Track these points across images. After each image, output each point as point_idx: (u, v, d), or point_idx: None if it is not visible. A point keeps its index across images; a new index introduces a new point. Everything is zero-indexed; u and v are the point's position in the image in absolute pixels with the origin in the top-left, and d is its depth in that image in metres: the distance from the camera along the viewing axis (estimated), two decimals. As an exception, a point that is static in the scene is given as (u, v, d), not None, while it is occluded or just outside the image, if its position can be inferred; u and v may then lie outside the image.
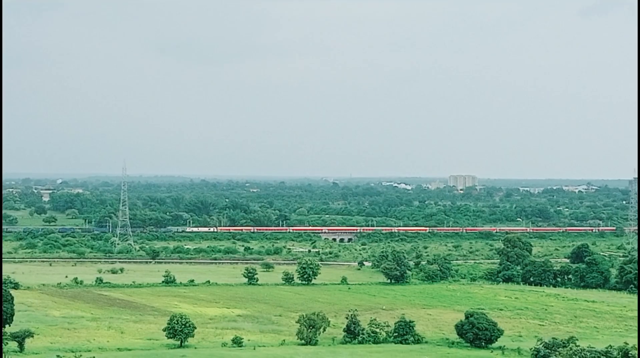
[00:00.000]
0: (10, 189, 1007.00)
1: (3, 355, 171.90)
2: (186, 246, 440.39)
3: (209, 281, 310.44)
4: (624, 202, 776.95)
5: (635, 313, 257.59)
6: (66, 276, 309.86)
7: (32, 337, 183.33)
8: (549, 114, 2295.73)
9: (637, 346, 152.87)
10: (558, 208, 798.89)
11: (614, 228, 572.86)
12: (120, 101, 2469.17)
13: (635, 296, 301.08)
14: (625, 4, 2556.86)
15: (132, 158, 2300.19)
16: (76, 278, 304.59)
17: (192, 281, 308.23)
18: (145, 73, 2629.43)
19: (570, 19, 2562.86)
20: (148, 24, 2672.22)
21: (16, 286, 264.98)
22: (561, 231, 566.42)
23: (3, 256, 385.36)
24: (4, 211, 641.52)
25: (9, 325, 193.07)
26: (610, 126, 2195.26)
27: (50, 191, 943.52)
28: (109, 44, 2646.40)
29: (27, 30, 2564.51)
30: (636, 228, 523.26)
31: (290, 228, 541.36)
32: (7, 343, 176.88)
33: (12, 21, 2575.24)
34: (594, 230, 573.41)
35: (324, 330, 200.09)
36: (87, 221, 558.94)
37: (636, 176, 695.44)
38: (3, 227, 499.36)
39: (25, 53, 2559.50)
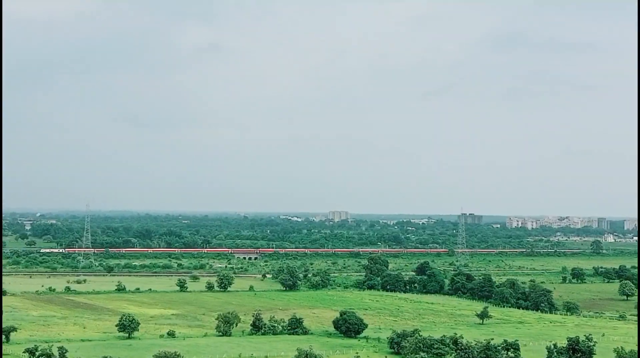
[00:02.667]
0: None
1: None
2: (134, 263, 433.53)
3: (150, 289, 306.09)
4: (454, 231, 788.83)
5: (463, 311, 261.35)
6: (42, 286, 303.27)
7: (16, 331, 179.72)
8: (399, 167, 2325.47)
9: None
10: (407, 235, 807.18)
11: (447, 250, 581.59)
12: (87, 154, 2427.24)
13: (463, 300, 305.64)
14: (452, 92, 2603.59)
15: (94, 197, 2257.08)
16: (50, 286, 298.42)
17: (138, 289, 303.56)
18: (108, 135, 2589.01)
19: (416, 101, 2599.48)
20: (110, 99, 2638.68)
21: (4, 293, 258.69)
22: (409, 252, 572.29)
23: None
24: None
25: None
26: (444, 176, 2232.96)
27: (31, 222, 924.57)
28: (81, 113, 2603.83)
29: (21, 99, 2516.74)
30: (462, 250, 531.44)
31: (212, 249, 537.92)
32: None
33: (19, 92, 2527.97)
34: (432, 251, 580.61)
35: (236, 325, 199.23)
36: (59, 244, 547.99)
37: (462, 213, 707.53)
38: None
39: (17, 116, 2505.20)
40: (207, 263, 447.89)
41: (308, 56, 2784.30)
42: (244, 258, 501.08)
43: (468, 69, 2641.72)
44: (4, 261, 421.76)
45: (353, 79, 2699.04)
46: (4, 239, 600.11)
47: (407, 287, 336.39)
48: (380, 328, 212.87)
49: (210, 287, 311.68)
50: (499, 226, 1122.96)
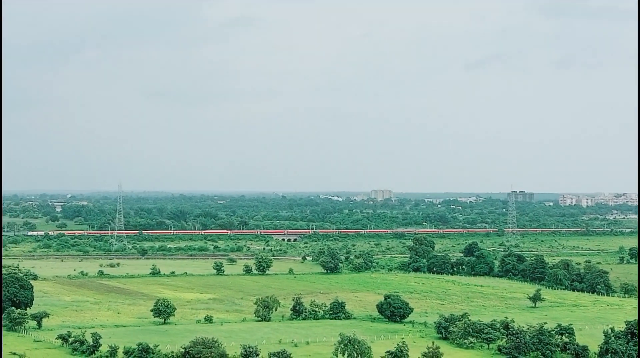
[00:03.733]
0: (30, 202, 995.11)
1: (25, 331, 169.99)
2: (168, 246, 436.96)
3: (186, 273, 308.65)
4: (504, 210, 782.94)
5: (514, 294, 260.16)
6: (74, 270, 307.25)
7: (48, 317, 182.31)
8: (445, 142, 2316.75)
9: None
10: (454, 215, 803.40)
11: (497, 229, 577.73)
12: (118, 133, 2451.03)
13: (514, 282, 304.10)
14: (498, 62, 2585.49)
15: (126, 178, 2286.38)
16: (82, 271, 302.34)
17: (173, 272, 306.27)
18: (138, 112, 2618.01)
19: (459, 73, 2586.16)
20: (140, 74, 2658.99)
21: (35, 277, 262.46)
22: (456, 232, 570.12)
23: (24, 254, 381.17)
24: (26, 219, 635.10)
25: (30, 308, 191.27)
26: (493, 152, 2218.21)
27: (62, 204, 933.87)
28: (111, 90, 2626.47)
29: (51, 77, 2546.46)
30: (513, 230, 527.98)
31: (249, 231, 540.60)
32: (27, 321, 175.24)
33: (40, 70, 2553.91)
34: (481, 231, 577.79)
35: (276, 309, 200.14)
36: (90, 226, 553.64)
37: (512, 190, 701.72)
38: (25, 232, 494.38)
39: (47, 94, 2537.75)
40: (245, 245, 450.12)
41: (345, 27, 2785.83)
42: (283, 239, 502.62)
43: (515, 38, 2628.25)
44: (35, 245, 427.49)
45: (392, 51, 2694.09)
46: (34, 221, 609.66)
47: (455, 269, 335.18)
48: (426, 313, 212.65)
49: (248, 270, 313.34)
50: (551, 204, 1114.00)
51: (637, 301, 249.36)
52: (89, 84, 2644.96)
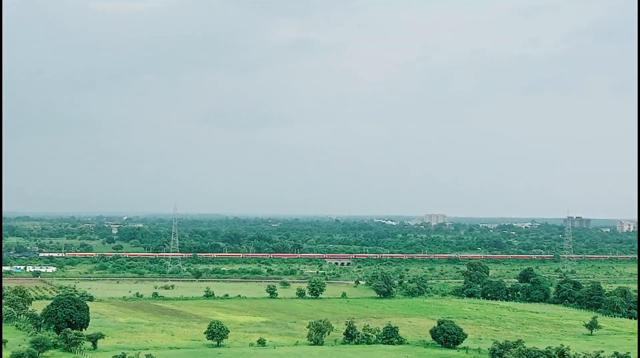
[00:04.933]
0: (87, 224, 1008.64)
1: (81, 352, 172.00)
2: (222, 268, 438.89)
3: (239, 295, 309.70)
4: (560, 236, 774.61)
5: (570, 322, 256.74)
6: (129, 291, 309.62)
7: (103, 338, 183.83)
8: (500, 167, 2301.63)
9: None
10: (509, 240, 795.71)
11: (552, 255, 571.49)
12: (174, 156, 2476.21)
13: (570, 309, 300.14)
14: (554, 86, 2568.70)
15: (181, 200, 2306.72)
16: (137, 292, 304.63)
17: (227, 295, 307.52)
18: (194, 135, 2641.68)
19: (515, 97, 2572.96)
20: (197, 97, 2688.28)
21: (91, 299, 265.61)
22: (511, 258, 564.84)
23: (81, 276, 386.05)
24: (83, 241, 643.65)
25: (85, 329, 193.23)
26: (550, 177, 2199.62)
27: (118, 226, 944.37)
28: (167, 113, 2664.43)
29: (110, 100, 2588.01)
30: (569, 256, 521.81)
31: (303, 254, 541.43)
32: (83, 342, 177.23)
33: (100, 94, 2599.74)
34: (536, 257, 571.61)
35: (329, 333, 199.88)
36: (146, 248, 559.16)
37: (568, 216, 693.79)
38: (82, 253, 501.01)
39: (105, 118, 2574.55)
40: (298, 269, 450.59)
41: (400, 51, 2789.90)
42: (336, 263, 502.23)
43: (571, 63, 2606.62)
44: (91, 266, 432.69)
45: (447, 75, 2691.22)
46: (91, 243, 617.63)
47: (509, 295, 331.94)
48: (480, 339, 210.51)
49: (301, 294, 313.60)
50: (608, 230, 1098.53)
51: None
52: (146, 107, 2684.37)
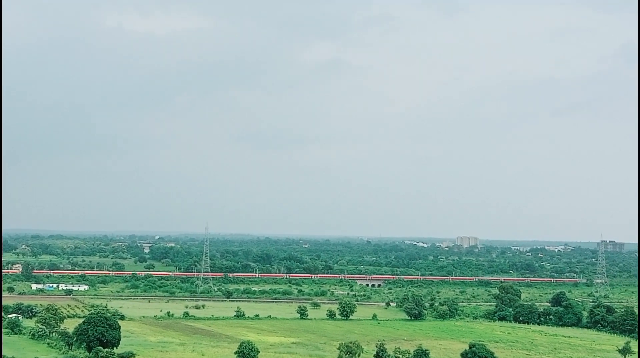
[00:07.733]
0: (119, 243, 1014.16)
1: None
2: (253, 288, 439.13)
3: (270, 316, 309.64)
4: (593, 259, 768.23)
5: (603, 346, 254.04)
6: (161, 311, 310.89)
7: (134, 357, 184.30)
8: (533, 190, 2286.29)
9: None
10: (542, 263, 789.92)
11: (585, 279, 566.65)
12: (206, 176, 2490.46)
13: (603, 334, 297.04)
14: (586, 108, 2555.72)
15: (213, 220, 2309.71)
16: (168, 312, 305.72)
17: (257, 315, 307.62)
18: (227, 155, 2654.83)
19: (546, 119, 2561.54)
20: (231, 118, 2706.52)
21: (122, 317, 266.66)
22: (544, 281, 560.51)
23: (112, 294, 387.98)
24: (115, 260, 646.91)
25: (117, 348, 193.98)
26: (582, 200, 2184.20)
27: (150, 245, 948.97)
28: (201, 133, 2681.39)
29: (148, 122, 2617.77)
30: (602, 280, 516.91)
31: (333, 275, 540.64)
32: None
33: (133, 116, 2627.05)
34: (569, 281, 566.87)
35: (359, 355, 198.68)
36: (177, 268, 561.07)
37: (601, 240, 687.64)
38: (115, 272, 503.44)
39: (140, 138, 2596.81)
40: (329, 290, 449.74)
41: (432, 73, 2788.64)
42: (367, 285, 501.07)
43: (603, 85, 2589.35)
44: (122, 285, 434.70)
45: (479, 97, 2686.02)
46: (123, 262, 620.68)
47: (542, 319, 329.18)
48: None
49: (331, 315, 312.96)
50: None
51: None
52: (180, 127, 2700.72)
